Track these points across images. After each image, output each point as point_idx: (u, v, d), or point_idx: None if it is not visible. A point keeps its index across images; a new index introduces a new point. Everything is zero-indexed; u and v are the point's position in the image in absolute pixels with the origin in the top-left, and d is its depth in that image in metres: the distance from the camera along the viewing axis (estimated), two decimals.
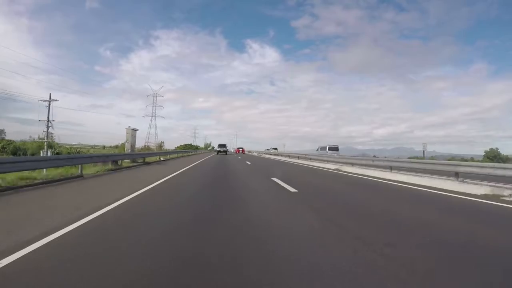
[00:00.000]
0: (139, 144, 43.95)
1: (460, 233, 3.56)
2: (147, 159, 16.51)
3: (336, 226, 3.65)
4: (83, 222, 3.49)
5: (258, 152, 55.13)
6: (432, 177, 9.04)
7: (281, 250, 2.71)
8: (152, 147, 46.09)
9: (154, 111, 56.03)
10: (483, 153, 39.93)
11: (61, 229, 3.16)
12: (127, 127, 14.56)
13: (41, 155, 24.05)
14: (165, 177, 9.04)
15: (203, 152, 50.29)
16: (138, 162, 14.98)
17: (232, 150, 62.85)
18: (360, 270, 2.25)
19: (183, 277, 2.07)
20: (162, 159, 19.25)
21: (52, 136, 30.36)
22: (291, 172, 13.11)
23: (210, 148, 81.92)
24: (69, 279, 2.01)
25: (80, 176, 8.76)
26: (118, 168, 11.61)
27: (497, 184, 7.21)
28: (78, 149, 45.80)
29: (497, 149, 39.10)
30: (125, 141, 15.22)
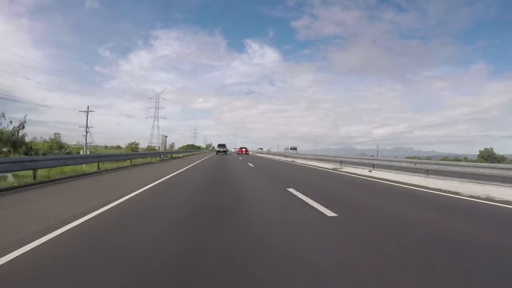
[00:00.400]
0: (144, 144, 50.76)
1: (312, 179, 12.30)
2: (173, 156, 25.23)
3: (266, 174, 12.40)
4: (165, 178, 12.10)
5: (252, 151, 63.99)
6: (328, 163, 17.75)
7: (240, 174, 11.43)
8: (156, 148, 53.02)
9: (156, 113, 61.83)
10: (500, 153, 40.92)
11: (152, 182, 11.80)
12: (162, 135, 23.25)
13: (81, 153, 32.61)
14: (193, 163, 17.74)
15: (205, 152, 58.97)
16: (168, 157, 23.64)
17: (233, 150, 61.38)
18: (266, 184, 10.97)
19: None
20: (180, 156, 27.98)
21: (92, 139, 38.38)
22: (260, 161, 21.88)
23: (211, 148, 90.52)
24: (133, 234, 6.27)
25: (151, 163, 17.43)
26: (162, 160, 20.29)
27: (337, 164, 15.93)
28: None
29: (491, 149, 41.76)
30: (160, 144, 23.79)
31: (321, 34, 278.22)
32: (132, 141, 47.45)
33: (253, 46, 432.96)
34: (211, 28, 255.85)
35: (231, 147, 68.69)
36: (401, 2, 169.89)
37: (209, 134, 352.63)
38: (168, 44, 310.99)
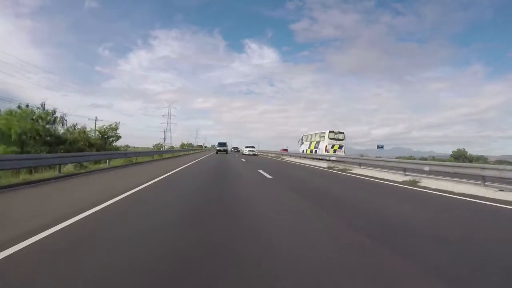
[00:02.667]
0: (148, 144, 61.97)
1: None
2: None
3: (243, 159, 24.00)
4: (200, 159, 23.59)
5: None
6: (294, 157, 29.19)
7: (229, 159, 23.03)
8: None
9: (169, 120, 70.99)
10: (476, 154, 42.64)
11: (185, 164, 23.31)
12: (203, 143, 35.17)
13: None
14: (210, 153, 29.51)
15: (210, 150, 70.94)
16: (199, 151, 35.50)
17: (246, 152, 47.47)
18: (237, 164, 22.57)
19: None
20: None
21: None
22: (246, 155, 33.56)
23: (215, 147, 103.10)
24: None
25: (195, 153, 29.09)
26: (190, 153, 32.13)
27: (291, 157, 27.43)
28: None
29: (464, 149, 43.40)
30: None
31: (320, 36, 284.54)
32: (157, 142, 63.35)
33: (252, 46, 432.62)
34: (210, 28, 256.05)
35: (242, 147, 63.98)
36: (397, 6, 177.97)
37: (208, 134, 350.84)
38: (167, 44, 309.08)
